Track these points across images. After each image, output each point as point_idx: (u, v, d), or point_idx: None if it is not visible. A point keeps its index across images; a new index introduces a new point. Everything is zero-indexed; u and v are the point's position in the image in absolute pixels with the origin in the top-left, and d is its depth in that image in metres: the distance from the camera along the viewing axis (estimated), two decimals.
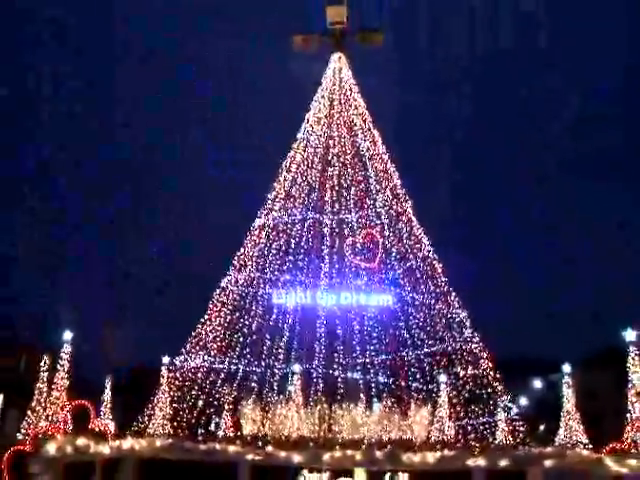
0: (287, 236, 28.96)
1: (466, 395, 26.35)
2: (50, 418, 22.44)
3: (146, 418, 25.76)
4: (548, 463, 16.48)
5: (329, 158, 30.41)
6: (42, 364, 25.92)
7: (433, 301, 27.74)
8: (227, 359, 26.80)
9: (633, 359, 22.84)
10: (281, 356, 26.66)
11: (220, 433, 25.75)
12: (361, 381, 26.48)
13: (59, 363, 23.86)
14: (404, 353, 26.97)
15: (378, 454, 17.68)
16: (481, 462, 16.74)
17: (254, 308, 27.65)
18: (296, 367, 26.64)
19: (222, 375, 26.78)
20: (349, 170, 30.23)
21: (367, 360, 26.68)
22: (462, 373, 26.54)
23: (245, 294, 28.13)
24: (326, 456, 17.66)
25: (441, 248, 29.65)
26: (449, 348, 27.05)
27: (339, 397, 24.63)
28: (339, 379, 25.35)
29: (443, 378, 27.03)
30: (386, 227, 29.06)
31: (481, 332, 27.52)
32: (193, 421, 25.46)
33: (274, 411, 24.08)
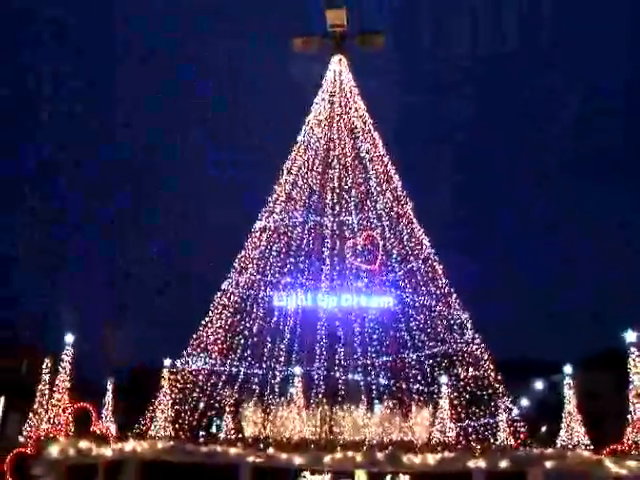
0: (288, 238, 29.02)
1: (467, 396, 26.35)
2: (52, 420, 22.48)
3: (147, 420, 25.79)
4: (548, 464, 16.51)
5: (330, 160, 30.48)
6: (44, 367, 26.01)
7: (434, 303, 27.78)
8: (228, 361, 26.85)
9: (634, 360, 22.86)
10: (282, 358, 26.70)
11: (221, 435, 25.79)
12: (362, 383, 26.51)
13: (60, 365, 23.92)
14: (405, 355, 27.00)
15: (379, 456, 17.71)
16: (481, 463, 16.77)
17: (255, 310, 27.70)
18: (297, 369, 26.72)
19: (223, 377, 26.82)
20: (350, 172, 30.29)
21: (368, 362, 26.70)
22: (463, 374, 26.57)
23: (246, 296, 28.18)
24: (327, 458, 17.70)
25: (442, 250, 29.75)
26: (450, 350, 27.08)
27: (340, 399, 24.64)
28: (340, 381, 25.38)
29: (444, 380, 27.05)
30: (387, 229, 29.12)
31: (482, 333, 27.58)
32: (194, 423, 25.50)
33: (275, 413, 24.10)
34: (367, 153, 31.03)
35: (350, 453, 17.78)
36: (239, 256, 29.13)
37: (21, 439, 23.98)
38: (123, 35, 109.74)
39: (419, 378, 26.47)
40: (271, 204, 30.13)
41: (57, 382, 23.45)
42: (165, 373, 26.95)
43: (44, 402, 24.07)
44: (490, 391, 26.06)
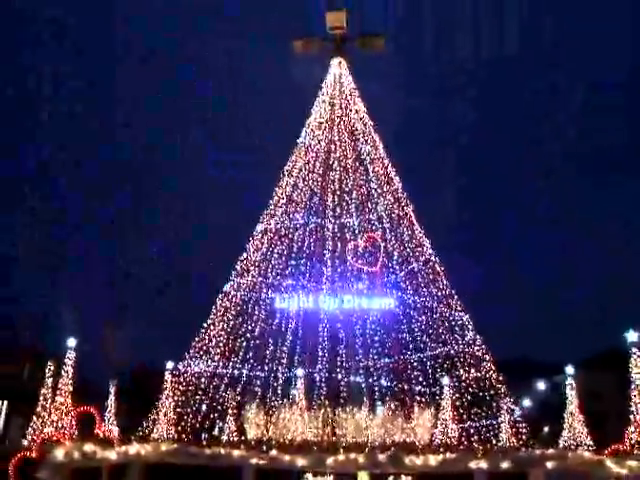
0: (289, 240, 29.09)
1: (469, 398, 26.39)
2: (55, 424, 22.52)
3: (150, 423, 25.85)
4: (549, 465, 16.55)
5: (330, 162, 30.56)
6: (47, 370, 26.05)
7: (435, 304, 27.83)
8: (230, 364, 26.91)
9: (635, 360, 22.89)
10: (284, 360, 26.76)
11: (224, 438, 25.82)
12: (364, 384, 26.56)
13: (63, 369, 23.96)
14: (407, 356, 27.05)
15: (381, 457, 17.74)
16: (483, 464, 16.81)
17: (257, 313, 27.77)
18: (299, 371, 26.74)
19: (225, 380, 26.88)
20: (350, 174, 30.37)
21: (370, 363, 26.76)
22: (465, 376, 26.60)
23: (248, 299, 28.25)
24: (330, 460, 17.74)
25: (446, 252, 29.86)
26: (452, 351, 27.11)
27: (342, 401, 24.70)
28: (342, 383, 25.44)
29: (446, 381, 27.06)
30: (388, 231, 29.18)
31: (484, 334, 27.64)
32: (197, 426, 25.56)
33: (278, 415, 24.15)
34: (368, 155, 31.12)
35: (352, 455, 17.83)
36: (241, 258, 29.23)
37: (24, 443, 23.98)
38: (123, 35, 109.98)
39: (421, 379, 26.51)
40: (272, 206, 30.23)
41: (60, 385, 23.50)
42: (167, 376, 26.99)
43: (47, 406, 24.07)
44: (492, 392, 26.09)
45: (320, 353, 26.10)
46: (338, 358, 25.93)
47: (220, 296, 28.28)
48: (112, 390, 28.15)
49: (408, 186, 30.80)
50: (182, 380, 26.64)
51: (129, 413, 34.31)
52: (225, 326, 27.39)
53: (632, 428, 22.11)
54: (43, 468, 15.65)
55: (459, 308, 27.91)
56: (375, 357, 26.81)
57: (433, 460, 17.58)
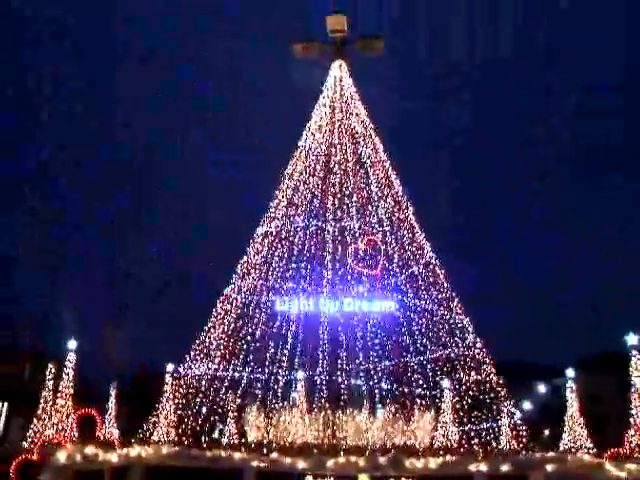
0: (290, 243, 29.14)
1: (469, 400, 26.41)
2: (56, 426, 22.55)
3: (151, 425, 25.87)
4: (549, 468, 16.59)
5: (331, 165, 30.63)
6: (47, 372, 26.08)
7: (435, 307, 27.87)
8: (231, 366, 26.95)
9: (635, 363, 22.91)
10: (285, 363, 26.81)
11: (224, 440, 25.85)
12: (364, 387, 26.60)
13: (64, 371, 23.99)
14: (407, 359, 27.08)
15: (381, 460, 17.79)
16: (483, 467, 16.86)
17: (257, 315, 27.81)
18: (300, 374, 26.76)
19: (226, 382, 26.92)
20: (351, 177, 30.43)
21: (370, 366, 26.79)
22: (465, 379, 26.63)
23: (248, 302, 28.29)
24: (330, 462, 17.78)
25: (442, 254, 29.87)
26: (452, 354, 27.14)
27: (343, 403, 24.74)
28: (343, 385, 25.47)
29: (446, 384, 27.08)
30: (388, 234, 29.24)
31: (484, 337, 27.68)
32: (198, 428, 25.58)
33: (278, 418, 24.20)
34: (368, 158, 31.18)
35: (353, 457, 17.88)
36: (241, 261, 29.28)
37: (25, 445, 24.00)
38: (123, 35, 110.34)
39: (421, 382, 26.56)
40: (273, 209, 30.29)
41: (60, 388, 23.53)
42: (168, 378, 27.01)
43: (48, 408, 24.10)
44: (492, 395, 26.11)
45: (320, 356, 26.13)
46: (339, 361, 25.96)
47: (220, 299, 28.34)
48: (113, 392, 28.15)
49: (406, 191, 30.91)
50: (183, 383, 26.67)
51: (130, 416, 34.33)
52: (226, 329, 27.44)
53: (632, 431, 22.12)
54: (45, 470, 15.70)
55: (459, 311, 27.95)
56: (375, 360, 26.86)
57: (433, 463, 17.63)
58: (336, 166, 30.50)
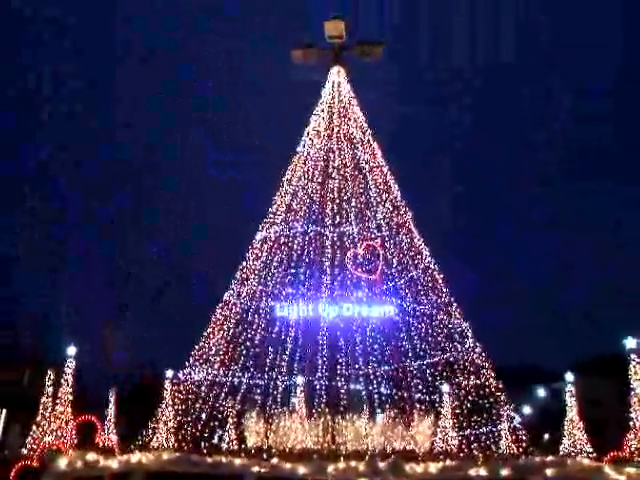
0: (289, 249, 29.20)
1: (469, 405, 26.43)
2: (55, 433, 22.54)
3: (150, 432, 25.86)
4: (549, 472, 16.61)
5: (329, 171, 30.71)
6: (47, 379, 26.08)
7: (435, 311, 27.92)
8: (230, 372, 26.96)
9: (634, 367, 22.98)
10: (284, 368, 26.83)
11: (224, 446, 25.84)
12: (364, 392, 26.61)
13: (63, 377, 23.99)
14: (406, 364, 27.11)
15: (381, 465, 17.80)
16: (483, 472, 16.87)
17: (257, 321, 27.85)
18: (299, 379, 26.79)
19: (225, 388, 26.92)
20: (349, 182, 30.51)
21: (370, 371, 26.82)
22: (464, 383, 26.66)
23: (248, 307, 28.33)
24: (330, 467, 17.79)
25: (442, 259, 29.96)
26: (451, 358, 27.19)
27: (342, 408, 24.75)
28: (342, 391, 25.49)
29: (446, 388, 27.12)
30: (387, 239, 29.31)
31: (483, 341, 27.72)
32: (197, 434, 25.57)
33: (278, 423, 24.19)
34: (366, 163, 31.28)
35: (353, 462, 17.88)
36: (240, 267, 29.33)
37: (24, 451, 23.99)
38: (123, 35, 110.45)
39: (420, 387, 26.59)
40: (272, 215, 30.36)
41: (60, 394, 23.54)
42: (167, 384, 27.02)
43: (47, 415, 24.09)
44: (492, 399, 26.14)
45: (320, 361, 26.15)
46: (338, 366, 25.99)
47: (220, 304, 28.37)
48: (112, 399, 28.14)
49: (404, 193, 31.00)
50: (182, 389, 26.67)
51: (129, 422, 34.26)
52: (225, 334, 27.46)
53: (632, 435, 22.18)
54: (45, 477, 15.71)
55: (458, 315, 28.00)
56: (375, 365, 26.90)
57: (433, 468, 17.63)
58: (334, 171, 30.58)
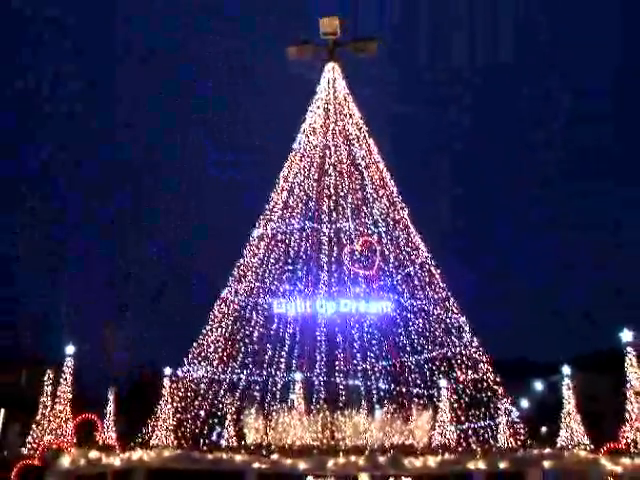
0: (286, 246, 29.24)
1: (467, 399, 26.56)
2: (55, 432, 22.57)
3: (149, 429, 25.90)
4: (546, 464, 16.77)
5: (325, 167, 30.75)
6: (45, 378, 26.10)
7: (432, 307, 28.02)
8: (229, 369, 27.02)
9: (630, 360, 23.16)
10: (282, 365, 26.89)
11: (223, 443, 25.92)
12: (362, 388, 26.71)
13: (62, 376, 24.02)
14: (404, 359, 27.22)
15: (381, 459, 17.93)
16: (481, 465, 17.02)
17: (255, 318, 27.90)
18: (297, 375, 26.88)
19: (224, 385, 26.99)
20: (345, 179, 30.55)
21: (368, 367, 26.91)
22: (462, 377, 26.78)
23: (245, 304, 28.38)
24: (330, 462, 17.91)
25: (441, 254, 30.04)
26: (449, 353, 27.30)
27: (341, 404, 24.84)
28: (340, 386, 25.58)
29: (443, 383, 27.26)
30: (383, 234, 29.37)
31: (480, 336, 27.82)
32: (196, 431, 25.63)
33: (277, 420, 24.27)
34: (362, 159, 31.32)
35: (353, 457, 18.01)
36: (238, 264, 29.36)
37: (24, 451, 24.01)
38: (123, 35, 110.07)
39: (419, 382, 26.70)
40: (268, 211, 30.40)
41: (59, 393, 23.57)
42: (166, 382, 27.06)
43: (47, 413, 24.11)
44: (489, 393, 26.27)
45: (318, 357, 26.24)
46: (336, 362, 26.07)
47: (218, 302, 28.41)
48: (111, 397, 28.17)
49: (403, 193, 31.05)
50: (181, 386, 26.72)
51: (128, 420, 34.31)
52: (223, 332, 27.51)
53: (627, 427, 22.36)
54: (49, 475, 15.77)
55: (455, 310, 28.10)
56: (373, 360, 26.97)
57: (432, 461, 17.78)
58: (330, 168, 30.62)
